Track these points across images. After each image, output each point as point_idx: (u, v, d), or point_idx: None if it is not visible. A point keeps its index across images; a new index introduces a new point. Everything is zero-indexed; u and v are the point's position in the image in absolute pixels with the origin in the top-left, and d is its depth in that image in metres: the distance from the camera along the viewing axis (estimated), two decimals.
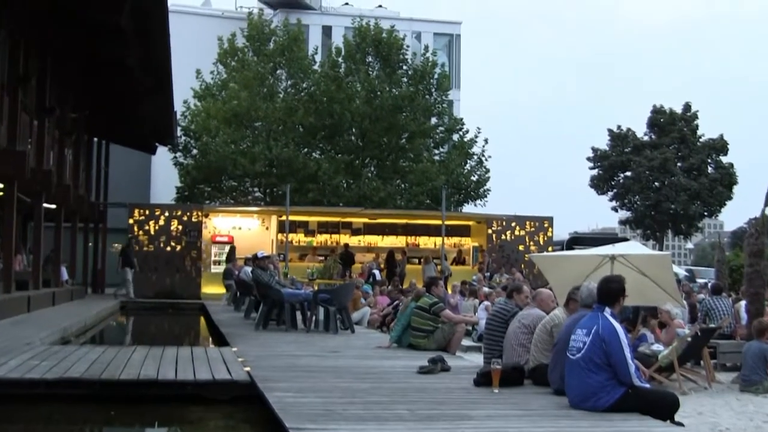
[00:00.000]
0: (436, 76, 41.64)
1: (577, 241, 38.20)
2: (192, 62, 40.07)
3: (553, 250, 31.81)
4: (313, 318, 17.38)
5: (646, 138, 60.07)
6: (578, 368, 7.83)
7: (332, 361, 12.04)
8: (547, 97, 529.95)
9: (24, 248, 27.87)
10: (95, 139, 34.91)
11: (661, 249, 57.51)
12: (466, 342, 16.96)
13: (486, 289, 22.81)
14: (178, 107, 35.75)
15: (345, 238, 34.84)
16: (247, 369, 10.64)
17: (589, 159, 60.94)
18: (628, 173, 59.35)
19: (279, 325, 17.79)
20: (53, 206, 25.54)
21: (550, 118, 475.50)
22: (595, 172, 60.75)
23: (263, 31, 41.67)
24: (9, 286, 19.82)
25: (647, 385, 8.07)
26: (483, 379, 9.53)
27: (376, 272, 29.51)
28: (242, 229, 34.01)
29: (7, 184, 19.72)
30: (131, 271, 29.55)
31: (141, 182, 45.78)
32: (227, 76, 41.47)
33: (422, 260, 32.51)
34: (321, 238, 35.13)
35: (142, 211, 31.64)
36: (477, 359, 13.27)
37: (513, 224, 33.90)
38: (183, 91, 37.26)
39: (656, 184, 58.20)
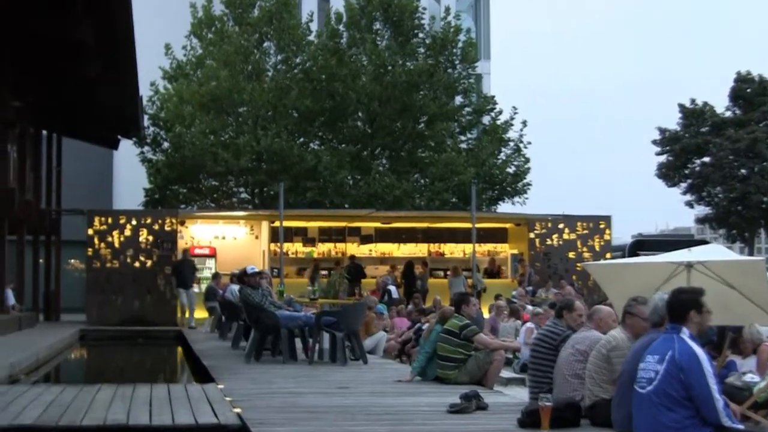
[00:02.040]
0: (459, 44, 41.61)
1: (642, 245, 38.08)
2: (160, 36, 40.16)
3: (613, 257, 31.72)
4: (317, 346, 17.39)
5: (728, 114, 59.25)
6: (650, 404, 7.74)
7: (341, 399, 12.06)
8: (601, 67, 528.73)
9: None
10: (44, 133, 35.00)
11: (751, 253, 57.16)
12: (506, 373, 16.93)
13: (530, 308, 22.79)
14: (144, 91, 35.85)
15: (353, 248, 34.85)
16: (237, 410, 10.67)
17: (655, 142, 60.34)
18: (706, 159, 58.52)
19: (275, 356, 17.80)
20: None
21: (606, 93, 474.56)
22: (663, 158, 60.17)
23: None
24: None
25: (740, 426, 7.96)
26: (529, 419, 9.50)
27: (392, 288, 29.50)
28: (226, 239, 34.03)
29: None
30: (187, 293, 29.47)
31: (101, 184, 45.84)
32: (203, 52, 41.55)
33: (449, 272, 32.49)
34: (323, 248, 35.15)
35: (103, 219, 31.65)
36: (521, 394, 13.26)
37: (561, 226, 33.83)
38: (150, 72, 37.36)
39: (742, 171, 57.32)
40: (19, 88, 28.06)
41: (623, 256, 32.47)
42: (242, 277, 19.30)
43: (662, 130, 59.92)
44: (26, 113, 29.71)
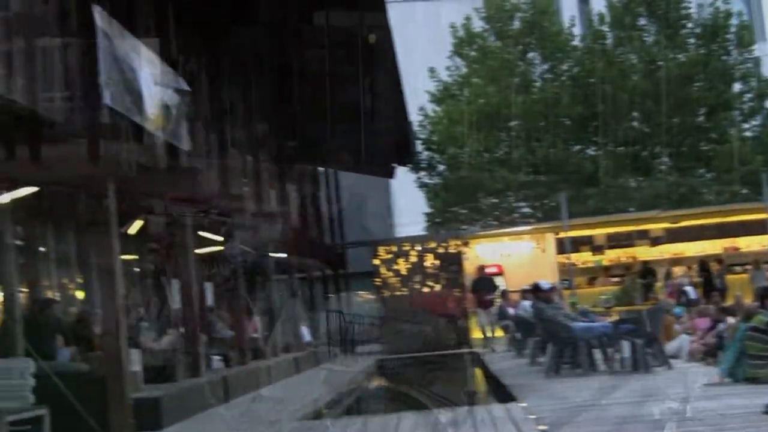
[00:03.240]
0: (732, 29, 40.36)
1: None
2: (422, 59, 40.70)
3: None
4: (617, 355, 17.18)
5: None
6: None
7: (649, 408, 11.74)
8: None
9: (255, 308, 29.02)
10: (320, 169, 36.03)
11: None
12: None
13: None
14: (414, 116, 36.37)
15: (642, 251, 34.11)
16: (543, 428, 10.62)
17: None
18: None
19: (574, 369, 17.64)
20: (282, 255, 26.52)
21: None
22: None
23: (504, 8, 41.77)
24: (243, 357, 20.65)
25: None
26: None
27: (690, 289, 28.67)
28: (512, 256, 33.90)
29: (226, 236, 20.61)
30: (486, 313, 28.64)
31: (382, 214, 46.80)
32: (468, 70, 41.84)
33: (749, 266, 31.39)
34: (612, 255, 34.57)
35: (388, 248, 32.28)
36: None
37: None
38: (416, 96, 37.86)
39: None
40: (292, 127, 29.04)
41: None
42: (535, 292, 19.30)
43: None
44: (302, 151, 30.71)
